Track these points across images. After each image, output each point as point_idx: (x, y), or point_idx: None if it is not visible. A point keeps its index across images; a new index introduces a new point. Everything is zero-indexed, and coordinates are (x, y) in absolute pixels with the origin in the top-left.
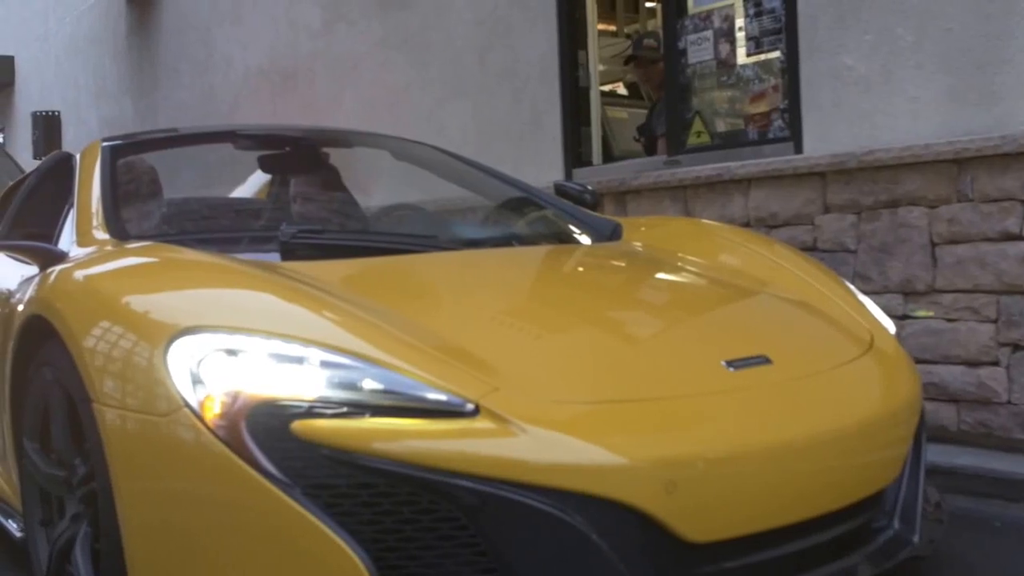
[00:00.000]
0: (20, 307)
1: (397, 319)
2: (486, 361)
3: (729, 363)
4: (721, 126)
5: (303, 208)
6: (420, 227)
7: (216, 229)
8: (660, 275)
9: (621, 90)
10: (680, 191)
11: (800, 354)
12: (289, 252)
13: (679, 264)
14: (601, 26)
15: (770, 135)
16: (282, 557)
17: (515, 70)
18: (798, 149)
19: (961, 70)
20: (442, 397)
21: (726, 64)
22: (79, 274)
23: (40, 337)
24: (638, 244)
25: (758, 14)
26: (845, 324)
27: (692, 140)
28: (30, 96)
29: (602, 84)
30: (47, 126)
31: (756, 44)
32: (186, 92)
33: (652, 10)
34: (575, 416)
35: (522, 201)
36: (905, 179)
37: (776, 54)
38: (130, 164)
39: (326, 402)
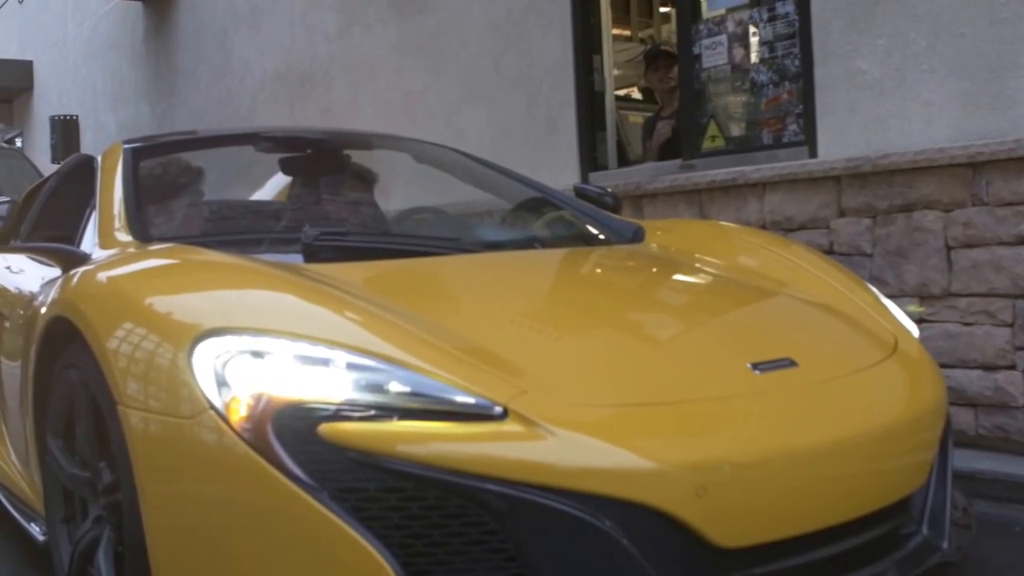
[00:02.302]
0: (43, 309)
1: (422, 321)
2: (513, 364)
3: (755, 366)
4: (736, 130)
5: (324, 210)
6: (442, 230)
7: (238, 231)
8: (683, 277)
9: (636, 95)
10: (695, 195)
11: (825, 357)
12: (312, 254)
13: (701, 266)
14: (615, 31)
15: (785, 139)
16: (308, 561)
17: (530, 75)
18: (813, 153)
19: (975, 74)
20: (470, 400)
21: (740, 68)
22: (103, 275)
23: (64, 339)
24: (660, 246)
25: (772, 19)
26: (869, 327)
27: (707, 144)
28: (48, 100)
29: (617, 89)
30: (65, 130)
31: (770, 48)
32: (203, 96)
33: (666, 15)
34: (604, 419)
35: (544, 204)
36: (920, 183)
37: (790, 58)
38: (157, 165)
39: (353, 405)
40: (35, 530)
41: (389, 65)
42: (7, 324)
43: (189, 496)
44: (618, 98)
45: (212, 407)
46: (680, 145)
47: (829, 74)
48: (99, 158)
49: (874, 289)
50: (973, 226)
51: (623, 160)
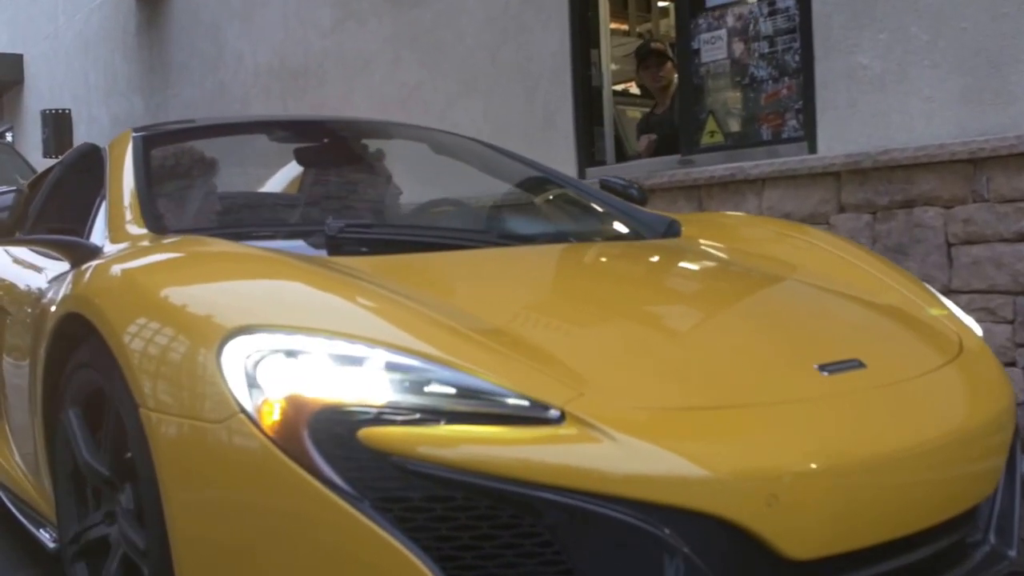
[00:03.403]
0: (53, 307)
1: (463, 318)
2: (565, 363)
3: (822, 367)
4: (735, 126)
5: (343, 202)
6: (469, 222)
7: (256, 223)
8: (733, 274)
9: (634, 89)
10: (694, 191)
11: (893, 358)
12: (336, 247)
13: (750, 263)
14: (614, 25)
15: (784, 135)
16: (348, 575)
17: (527, 69)
18: (812, 149)
19: (976, 69)
20: (523, 402)
21: (740, 63)
22: (119, 268)
23: (77, 337)
24: (702, 241)
25: (772, 13)
26: (933, 327)
27: (706, 140)
28: (40, 94)
29: (615, 83)
30: (57, 124)
31: (770, 43)
32: (196, 89)
33: (665, 9)
34: (667, 423)
35: (571, 197)
36: (920, 179)
37: (790, 53)
38: (168, 154)
39: (396, 408)
40: (45, 537)
41: (384, 59)
42: (11, 321)
43: (218, 505)
44: (616, 93)
45: (242, 410)
46: (678, 141)
47: (830, 69)
48: (107, 147)
49: (931, 288)
50: (974, 222)
51: (621, 155)
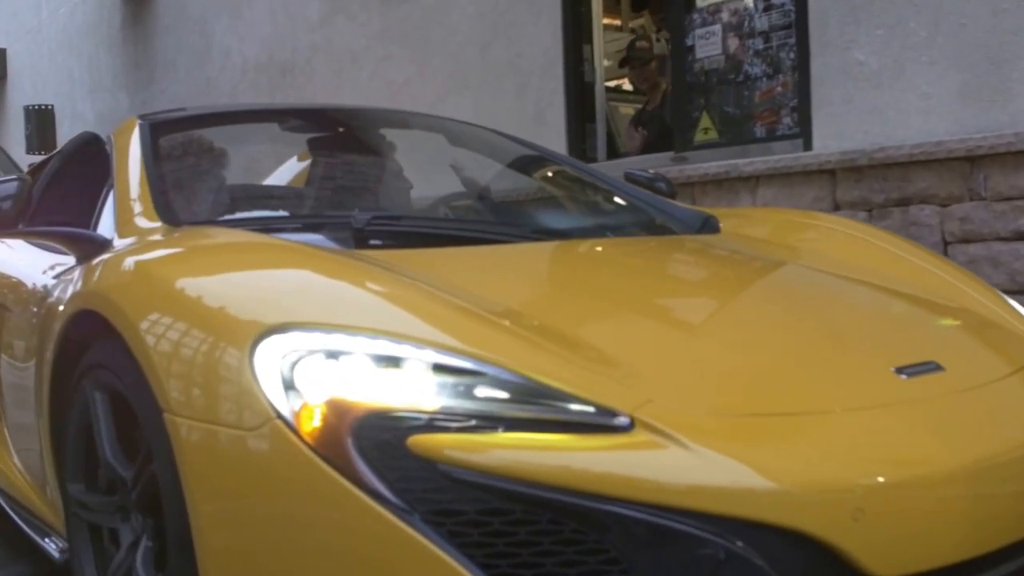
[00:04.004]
0: (61, 306)
1: (514, 316)
2: (628, 365)
3: (899, 370)
4: (729, 123)
5: (360, 193)
6: (498, 216)
7: (270, 214)
8: (789, 273)
9: (627, 86)
10: (688, 188)
11: (970, 360)
12: (362, 240)
13: (804, 261)
14: (606, 20)
15: (779, 132)
16: None
17: (518, 65)
18: (807, 146)
19: (975, 66)
20: (588, 408)
21: (734, 59)
22: (137, 261)
23: (89, 336)
24: (750, 236)
25: (767, 8)
26: (1004, 327)
27: (699, 137)
28: (23, 90)
29: (607, 79)
30: (40, 120)
31: (765, 39)
32: (183, 85)
33: (659, 4)
34: (743, 432)
35: (602, 190)
36: (917, 177)
37: (786, 49)
38: (176, 143)
39: (449, 413)
40: (51, 547)
41: (373, 55)
42: (11, 318)
43: (252, 518)
44: (609, 89)
45: (279, 416)
46: (671, 137)
47: (826, 65)
48: (111, 136)
49: (991, 287)
50: (970, 221)
51: (613, 152)
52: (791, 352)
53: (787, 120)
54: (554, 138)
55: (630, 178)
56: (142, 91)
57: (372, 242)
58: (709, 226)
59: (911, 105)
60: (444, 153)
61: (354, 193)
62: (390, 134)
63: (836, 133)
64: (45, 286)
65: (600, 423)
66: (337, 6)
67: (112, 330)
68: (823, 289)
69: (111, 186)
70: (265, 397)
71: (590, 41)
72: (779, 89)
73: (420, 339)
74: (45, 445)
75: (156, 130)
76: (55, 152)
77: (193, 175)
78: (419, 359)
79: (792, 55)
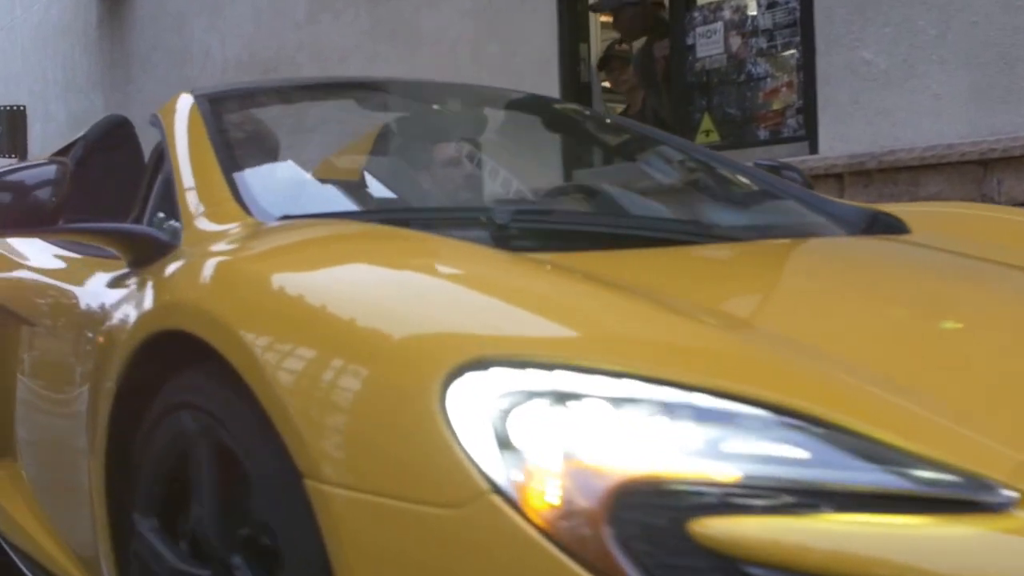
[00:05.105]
0: (131, 321)
1: (794, 347)
2: (961, 412)
3: None
4: (731, 125)
5: (472, 183)
6: (654, 211)
7: (378, 205)
8: None
9: None
10: None
11: None
12: (502, 239)
13: None
14: (604, 19)
15: (784, 134)
16: None
17: (512, 64)
18: (813, 149)
19: (987, 65)
20: (952, 477)
21: (737, 59)
22: (242, 267)
23: (171, 365)
24: (961, 239)
25: (771, 6)
26: None
27: (700, 139)
28: None
29: (603, 80)
30: (12, 121)
31: (769, 38)
32: (161, 85)
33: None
34: None
35: (746, 182)
36: (927, 181)
37: (791, 48)
38: (235, 123)
39: (749, 487)
40: None
41: (361, 53)
42: (38, 335)
43: None
44: (605, 90)
45: (495, 488)
46: None
47: (832, 65)
48: (159, 116)
49: None
50: None
51: None
52: None
53: (792, 122)
54: None
55: (759, 168)
56: (117, 91)
57: (519, 243)
58: (889, 225)
59: (921, 106)
60: (540, 136)
61: (470, 183)
62: (492, 115)
63: (843, 135)
64: (94, 298)
65: (971, 499)
66: (323, 3)
67: (207, 358)
68: None
69: (165, 175)
70: (470, 460)
71: (587, 40)
72: (783, 89)
73: (683, 382)
74: (96, 494)
75: (219, 107)
76: (78, 138)
77: (269, 159)
78: (691, 407)
79: (797, 54)
